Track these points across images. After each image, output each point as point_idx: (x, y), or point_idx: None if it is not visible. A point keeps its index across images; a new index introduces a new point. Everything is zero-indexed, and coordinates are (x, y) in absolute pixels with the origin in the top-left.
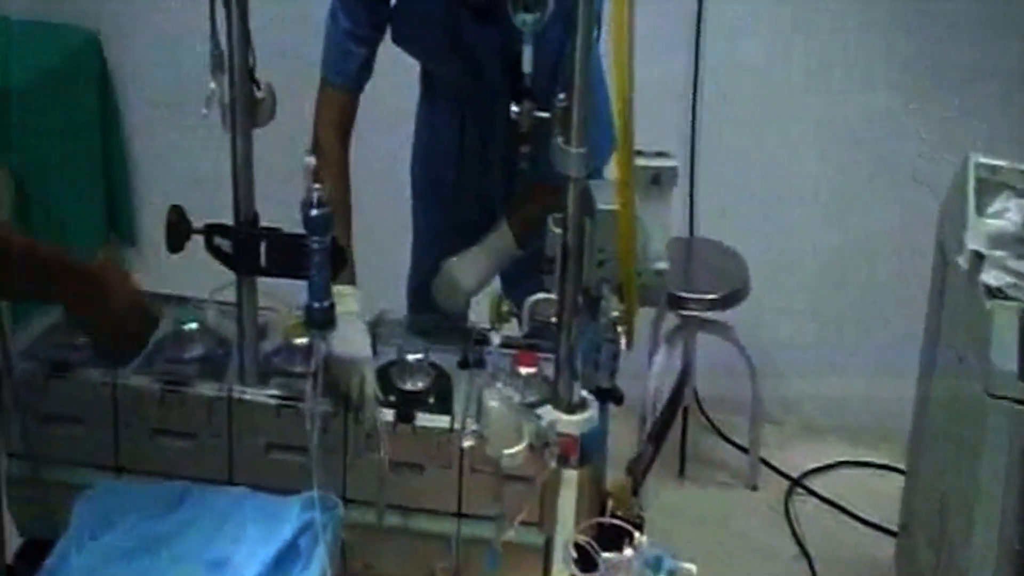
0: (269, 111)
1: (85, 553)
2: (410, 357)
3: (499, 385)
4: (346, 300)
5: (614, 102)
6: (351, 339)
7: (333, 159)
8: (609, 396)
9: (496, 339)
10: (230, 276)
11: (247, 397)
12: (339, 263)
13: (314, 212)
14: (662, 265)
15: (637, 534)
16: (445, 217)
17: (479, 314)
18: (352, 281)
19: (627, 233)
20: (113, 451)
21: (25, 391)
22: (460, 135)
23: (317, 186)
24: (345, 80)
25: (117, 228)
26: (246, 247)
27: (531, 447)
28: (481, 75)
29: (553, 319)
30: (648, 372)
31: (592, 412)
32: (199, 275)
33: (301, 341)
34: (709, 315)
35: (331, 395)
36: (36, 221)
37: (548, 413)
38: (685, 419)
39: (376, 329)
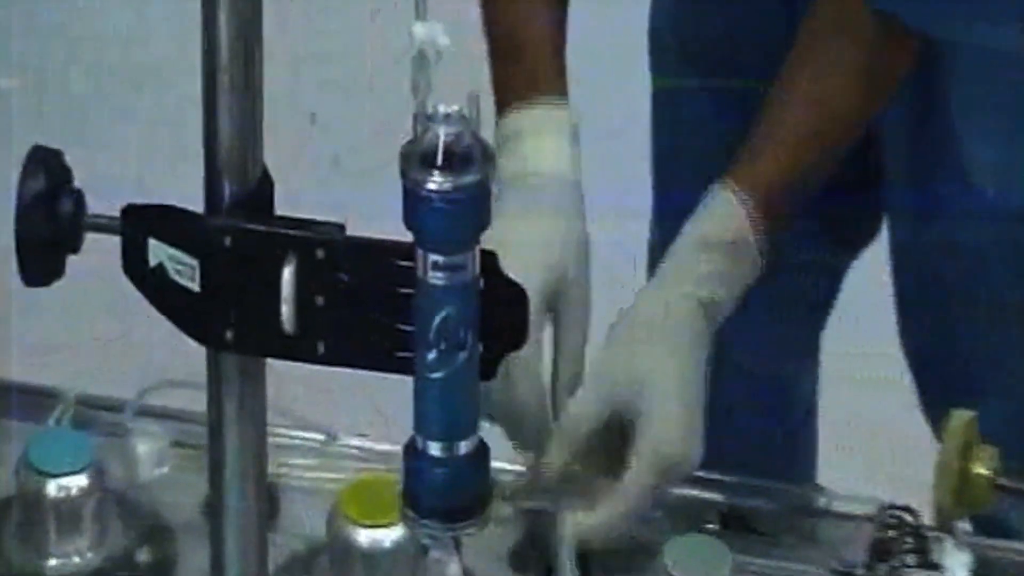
0: None
1: None
2: None
3: None
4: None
5: None
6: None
7: None
8: None
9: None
10: (185, 350)
11: None
12: (515, 329)
13: (435, 181)
14: None
15: None
16: (733, 106)
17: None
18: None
19: None
20: None
21: None
22: None
23: (446, 110)
24: None
25: None
26: (234, 268)
27: None
28: None
29: None
30: None
31: None
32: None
33: (374, 536)
34: None
35: None
36: None
37: None
38: None
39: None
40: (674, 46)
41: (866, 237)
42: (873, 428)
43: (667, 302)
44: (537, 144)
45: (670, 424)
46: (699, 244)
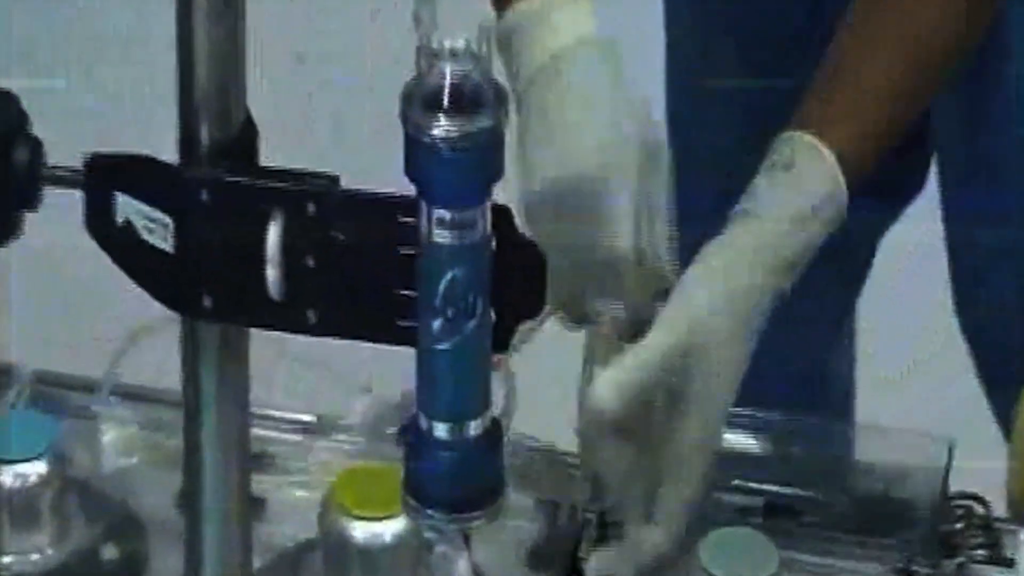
0: None
1: None
2: None
3: None
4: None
5: None
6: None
7: None
8: None
9: None
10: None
11: None
12: (531, 294)
13: (441, 127)
14: None
15: None
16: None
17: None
18: None
19: None
20: None
21: None
22: None
23: (453, 45)
24: None
25: None
26: (213, 226)
27: None
28: None
29: None
30: None
31: None
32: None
33: (372, 529)
34: None
35: None
36: None
37: None
38: None
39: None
40: (693, 45)
41: (908, 193)
42: (922, 412)
43: (749, 284)
44: (559, 16)
45: (719, 422)
46: (793, 221)
